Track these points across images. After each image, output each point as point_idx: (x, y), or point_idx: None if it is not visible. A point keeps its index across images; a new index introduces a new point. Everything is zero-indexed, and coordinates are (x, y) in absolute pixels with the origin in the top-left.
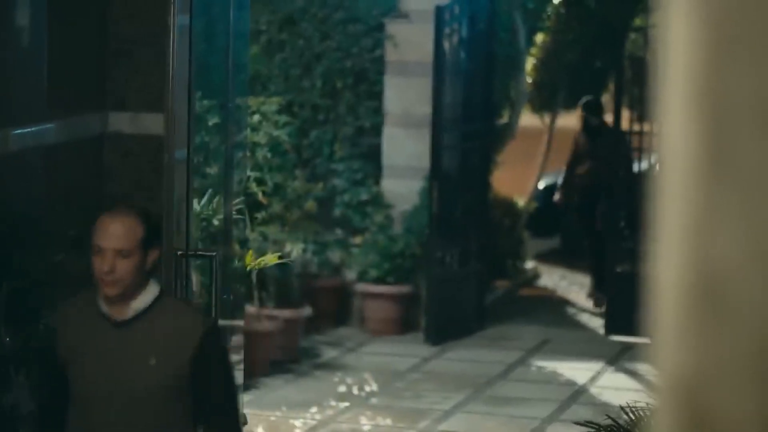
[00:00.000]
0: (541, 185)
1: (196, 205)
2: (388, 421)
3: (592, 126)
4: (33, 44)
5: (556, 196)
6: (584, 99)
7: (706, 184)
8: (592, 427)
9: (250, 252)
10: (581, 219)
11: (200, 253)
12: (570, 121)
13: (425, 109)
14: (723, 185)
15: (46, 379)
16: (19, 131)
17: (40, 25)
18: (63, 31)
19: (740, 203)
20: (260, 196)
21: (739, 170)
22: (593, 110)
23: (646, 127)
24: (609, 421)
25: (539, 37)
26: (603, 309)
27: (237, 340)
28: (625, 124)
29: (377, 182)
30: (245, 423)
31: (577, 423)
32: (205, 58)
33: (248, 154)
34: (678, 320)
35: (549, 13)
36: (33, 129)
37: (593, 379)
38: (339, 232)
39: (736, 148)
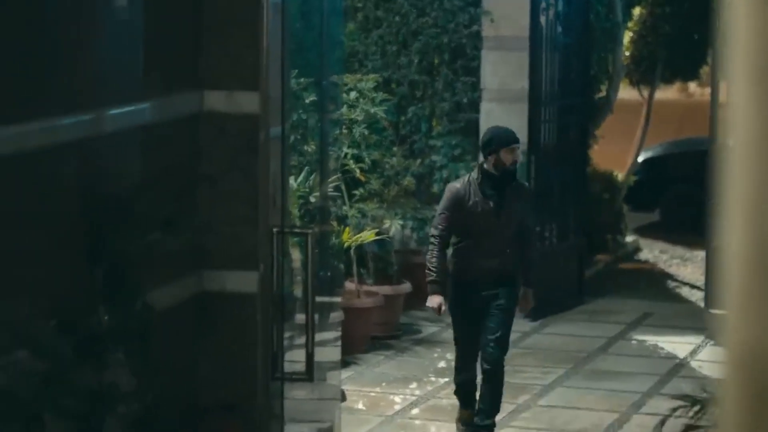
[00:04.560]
0: (641, 159)
1: (293, 183)
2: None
3: None
4: (128, 25)
5: None
6: None
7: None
8: (689, 401)
9: (347, 229)
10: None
11: (296, 230)
12: (668, 94)
13: (522, 83)
14: None
15: None
16: (114, 111)
17: (136, 6)
18: (158, 11)
19: None
20: (358, 173)
21: None
22: None
23: None
24: (706, 395)
25: (636, 10)
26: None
27: (336, 316)
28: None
29: (475, 158)
30: (344, 399)
31: (675, 396)
32: (301, 37)
33: (346, 131)
34: (743, 294)
35: None
36: (128, 109)
37: (693, 352)
38: (437, 207)
39: None
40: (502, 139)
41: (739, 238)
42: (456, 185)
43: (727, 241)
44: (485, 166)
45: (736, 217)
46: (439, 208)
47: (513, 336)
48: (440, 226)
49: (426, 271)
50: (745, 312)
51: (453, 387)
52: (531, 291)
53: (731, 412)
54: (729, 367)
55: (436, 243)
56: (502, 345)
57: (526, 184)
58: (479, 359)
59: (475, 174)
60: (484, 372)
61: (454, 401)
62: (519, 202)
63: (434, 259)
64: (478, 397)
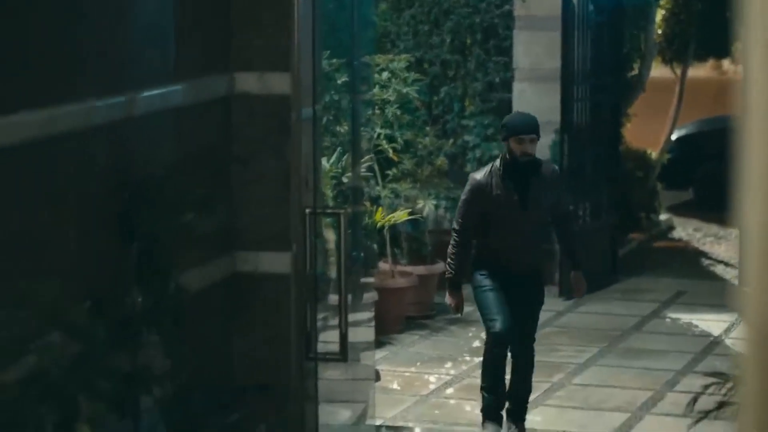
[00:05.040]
0: (674, 137)
1: (325, 164)
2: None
3: None
4: (159, 6)
5: None
6: None
7: None
8: (722, 378)
9: (380, 209)
10: None
11: (329, 210)
12: (701, 72)
13: (555, 63)
14: None
15: None
16: (146, 94)
17: None
18: None
19: None
20: (391, 153)
21: None
22: None
23: None
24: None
25: None
26: None
27: (370, 296)
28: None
29: None
30: (378, 379)
31: (708, 374)
32: (333, 17)
33: (378, 111)
34: (763, 271)
35: None
36: (160, 91)
37: (727, 330)
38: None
39: None
40: (512, 128)
41: (757, 215)
42: (477, 176)
43: (745, 219)
44: (506, 153)
45: (753, 194)
46: (461, 200)
47: (547, 315)
48: (461, 220)
49: (446, 266)
50: (765, 289)
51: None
52: (580, 273)
53: (752, 388)
54: (750, 343)
55: (458, 238)
56: (532, 336)
57: (556, 167)
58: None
59: (498, 162)
60: (513, 365)
61: None
62: (549, 190)
63: (454, 255)
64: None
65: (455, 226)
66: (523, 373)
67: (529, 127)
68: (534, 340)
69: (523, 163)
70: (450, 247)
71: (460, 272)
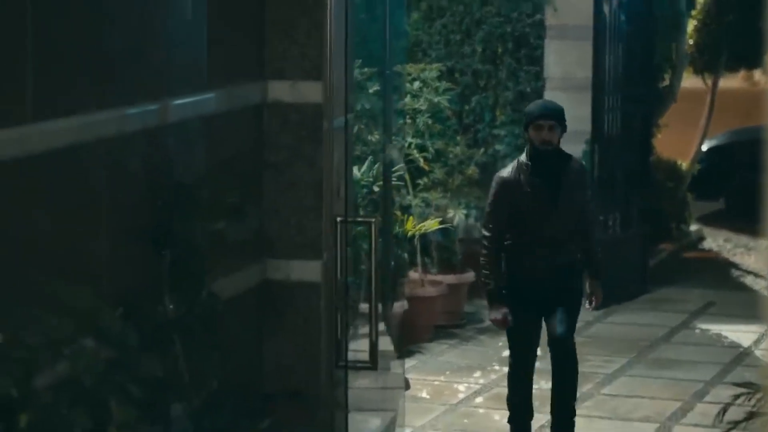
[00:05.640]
0: (705, 147)
1: (356, 172)
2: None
3: None
4: (193, 14)
5: None
6: None
7: None
8: (751, 389)
9: (411, 218)
10: None
11: (360, 219)
12: (732, 82)
13: (586, 72)
14: None
15: None
16: (179, 101)
17: None
18: (222, 1)
19: None
20: (422, 162)
21: None
22: None
23: None
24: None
25: None
26: None
27: (400, 305)
28: None
29: None
30: (408, 387)
31: (737, 384)
32: (364, 27)
33: (409, 120)
34: None
35: None
36: (193, 99)
37: (758, 341)
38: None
39: None
40: (529, 114)
41: None
42: (502, 174)
43: None
44: (528, 145)
45: None
46: (487, 203)
47: (576, 324)
48: (490, 225)
49: (481, 279)
50: None
51: None
52: (598, 283)
53: None
54: None
55: (489, 245)
56: (570, 334)
57: (584, 164)
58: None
59: (524, 156)
60: (553, 365)
61: None
62: (578, 187)
63: (488, 265)
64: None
65: (485, 232)
66: (564, 385)
67: (548, 112)
68: (573, 343)
69: (545, 153)
70: (482, 257)
71: (498, 281)
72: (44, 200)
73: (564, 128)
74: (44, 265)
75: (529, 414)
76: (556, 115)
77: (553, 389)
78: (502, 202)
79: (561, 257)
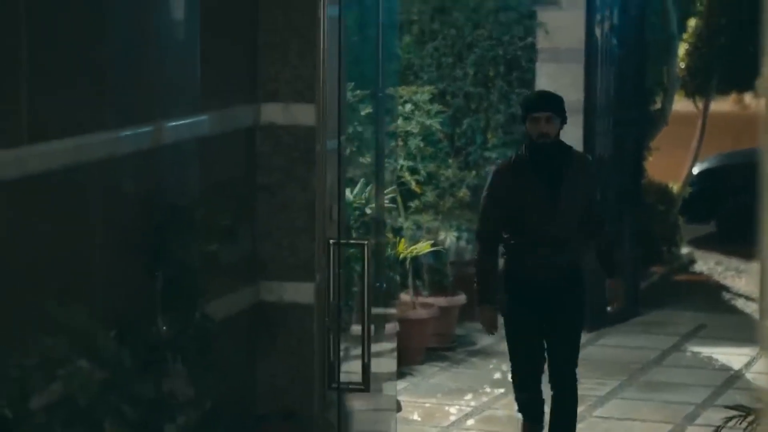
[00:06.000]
0: (696, 170)
1: (348, 195)
2: (545, 408)
3: None
4: (186, 37)
5: None
6: None
7: None
8: (743, 412)
9: (402, 240)
10: None
11: (352, 241)
12: (724, 105)
13: (578, 95)
14: None
15: None
16: (173, 123)
17: (193, 19)
18: (215, 24)
19: None
20: (413, 184)
21: None
22: None
23: None
24: (760, 406)
25: (691, 22)
26: None
27: (391, 327)
28: None
29: None
30: (399, 410)
31: (729, 407)
32: (357, 49)
33: (401, 143)
34: None
35: None
36: (186, 121)
37: (749, 364)
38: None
39: None
40: (525, 105)
41: None
42: (498, 166)
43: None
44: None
45: None
46: (482, 200)
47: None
48: (484, 222)
49: (474, 281)
50: None
51: (508, 397)
52: (619, 280)
53: None
54: None
55: (481, 244)
56: (573, 362)
57: (589, 157)
58: (546, 378)
59: (522, 149)
60: (554, 395)
61: (510, 412)
62: (582, 183)
63: (479, 264)
64: (548, 411)
65: (478, 230)
66: (564, 410)
67: (544, 102)
68: (575, 365)
69: (543, 146)
70: (476, 256)
71: (488, 284)
72: (40, 221)
73: (564, 119)
74: (39, 286)
75: (539, 406)
76: (553, 106)
77: (551, 421)
78: (496, 195)
79: (562, 257)
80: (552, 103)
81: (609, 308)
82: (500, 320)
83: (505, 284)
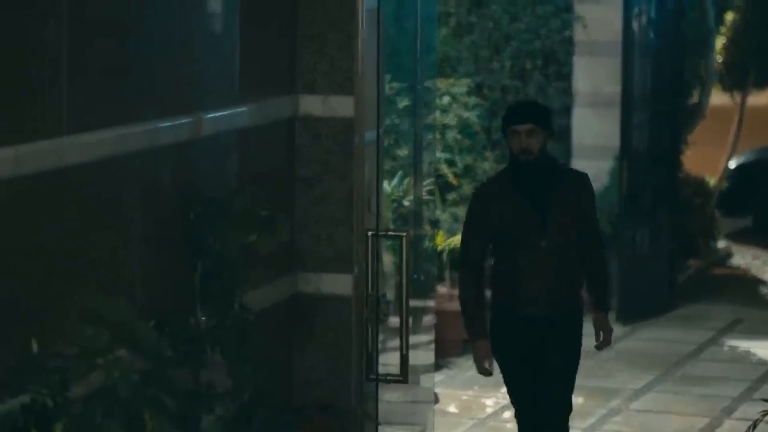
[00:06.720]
0: (733, 164)
1: (386, 187)
2: (580, 400)
3: None
4: (225, 30)
5: None
6: None
7: None
8: None
9: (441, 232)
10: None
11: (391, 233)
12: (761, 99)
13: (614, 88)
14: None
15: None
16: (212, 115)
17: (232, 10)
18: (254, 16)
19: None
20: (451, 177)
21: None
22: None
23: None
24: None
25: (729, 16)
26: None
27: (428, 320)
28: None
29: (567, 162)
30: (437, 402)
31: (766, 400)
32: (395, 41)
33: (439, 135)
34: None
35: None
36: (225, 113)
37: None
38: None
39: None
40: (505, 115)
41: None
42: (481, 185)
43: None
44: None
45: None
46: (464, 220)
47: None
48: (465, 248)
49: (462, 313)
50: None
51: None
52: (605, 316)
53: None
54: None
55: (465, 271)
56: (565, 408)
57: (586, 175)
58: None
59: (509, 167)
60: None
61: None
62: (575, 202)
63: (464, 295)
64: None
65: (460, 258)
66: None
67: (523, 113)
68: (569, 410)
69: (526, 164)
70: (459, 289)
71: (476, 316)
72: (79, 212)
73: (550, 132)
74: (79, 277)
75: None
76: (535, 117)
77: None
78: (478, 219)
79: (554, 288)
80: (534, 115)
81: (600, 347)
82: None
83: (492, 317)
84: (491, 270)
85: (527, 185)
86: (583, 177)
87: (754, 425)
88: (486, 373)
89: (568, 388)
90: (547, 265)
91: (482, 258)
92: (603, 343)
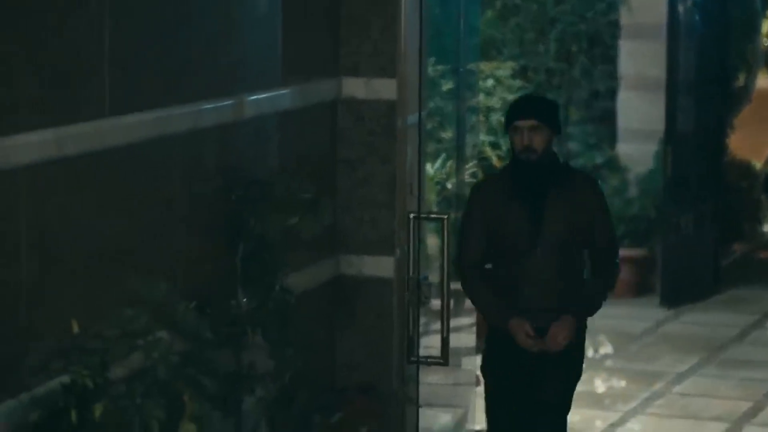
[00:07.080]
0: None
1: (429, 169)
2: (623, 383)
3: None
4: (268, 11)
5: None
6: None
7: None
8: None
9: None
10: None
11: (433, 215)
12: None
13: (660, 72)
14: None
15: None
16: (254, 97)
17: None
18: None
19: None
20: (495, 159)
21: None
22: None
23: None
24: None
25: None
26: None
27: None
28: None
29: (612, 146)
30: (477, 384)
31: None
32: (438, 24)
33: (483, 118)
34: None
35: None
36: (268, 95)
37: None
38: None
39: None
40: (510, 111)
41: None
42: (479, 183)
43: None
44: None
45: None
46: (462, 220)
47: (647, 324)
48: (463, 248)
49: (480, 311)
50: None
51: (587, 372)
52: (571, 320)
53: None
54: None
55: (463, 272)
56: (562, 406)
57: (595, 179)
58: None
59: (509, 166)
60: None
61: (586, 387)
62: (580, 208)
63: (476, 292)
64: None
65: (458, 258)
66: None
67: (527, 108)
68: (568, 409)
69: (527, 164)
70: (466, 291)
71: (492, 306)
72: (120, 194)
73: (555, 129)
74: (119, 258)
75: None
76: (539, 113)
77: None
78: (475, 218)
79: (549, 301)
80: (538, 110)
81: (549, 348)
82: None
83: (486, 331)
84: (489, 275)
85: (524, 187)
86: (590, 181)
87: None
88: (531, 345)
89: (565, 411)
90: (540, 274)
91: (482, 259)
92: (551, 343)
